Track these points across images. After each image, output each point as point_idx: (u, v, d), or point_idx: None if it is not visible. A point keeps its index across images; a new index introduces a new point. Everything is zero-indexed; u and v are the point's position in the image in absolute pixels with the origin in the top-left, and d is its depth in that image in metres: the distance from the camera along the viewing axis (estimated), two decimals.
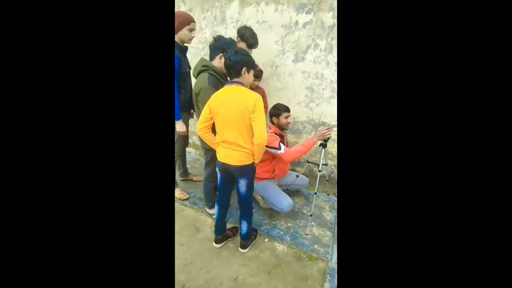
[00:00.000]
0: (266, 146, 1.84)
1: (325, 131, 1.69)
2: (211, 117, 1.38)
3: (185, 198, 2.17)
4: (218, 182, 1.56)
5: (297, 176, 2.08)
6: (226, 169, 1.46)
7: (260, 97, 1.31)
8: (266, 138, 1.35)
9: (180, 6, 2.49)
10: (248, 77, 1.37)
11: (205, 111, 1.38)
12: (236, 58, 1.30)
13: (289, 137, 2.45)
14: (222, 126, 1.36)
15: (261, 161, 2.00)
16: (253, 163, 1.43)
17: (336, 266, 1.66)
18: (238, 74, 1.34)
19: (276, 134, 1.90)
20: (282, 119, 1.89)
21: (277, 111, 1.89)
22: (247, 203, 1.57)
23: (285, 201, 1.89)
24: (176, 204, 2.13)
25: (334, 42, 2.04)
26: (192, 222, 1.96)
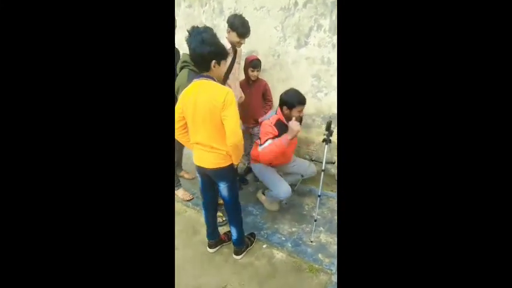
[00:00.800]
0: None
1: (294, 123, 1.50)
2: (184, 117, 1.25)
3: (189, 199, 2.14)
4: (200, 185, 1.45)
5: (294, 161, 1.83)
6: (204, 172, 1.34)
7: (231, 91, 1.15)
8: (240, 138, 1.19)
9: (180, 3, 2.45)
10: (219, 69, 1.22)
11: (176, 111, 1.25)
12: (203, 50, 1.13)
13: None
14: (193, 126, 1.23)
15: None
16: (231, 165, 1.29)
17: None
18: (208, 68, 1.19)
19: (281, 122, 1.61)
20: (295, 112, 1.59)
21: (291, 104, 1.57)
22: (233, 208, 1.45)
23: (281, 187, 1.70)
24: (179, 205, 2.11)
25: None
26: (191, 224, 1.92)
